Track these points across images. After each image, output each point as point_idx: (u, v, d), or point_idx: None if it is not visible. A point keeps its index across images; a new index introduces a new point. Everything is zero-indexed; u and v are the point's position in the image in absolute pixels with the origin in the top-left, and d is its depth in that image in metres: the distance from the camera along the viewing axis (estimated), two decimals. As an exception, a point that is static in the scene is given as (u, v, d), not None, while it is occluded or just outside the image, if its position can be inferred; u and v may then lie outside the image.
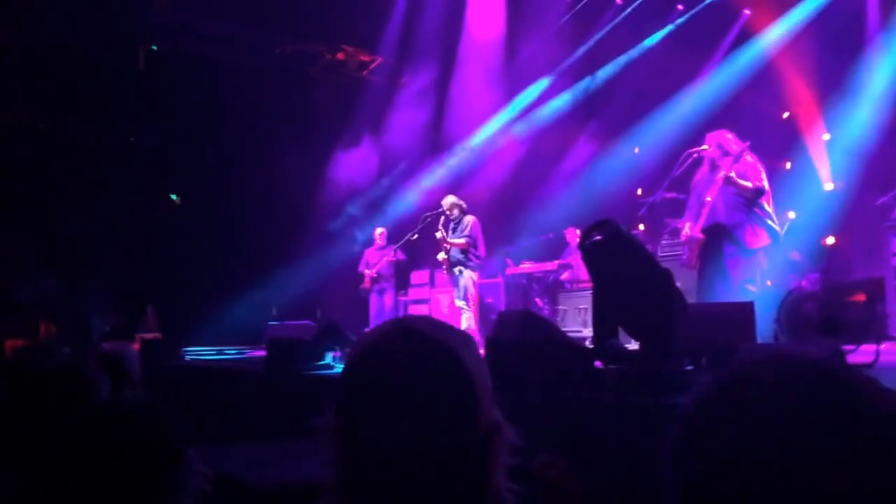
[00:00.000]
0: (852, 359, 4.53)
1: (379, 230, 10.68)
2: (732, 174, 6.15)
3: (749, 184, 6.15)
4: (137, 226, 11.27)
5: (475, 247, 8.82)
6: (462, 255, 8.82)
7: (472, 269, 8.84)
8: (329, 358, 6.54)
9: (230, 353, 9.23)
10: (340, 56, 12.95)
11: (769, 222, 6.32)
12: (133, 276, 10.73)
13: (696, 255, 6.38)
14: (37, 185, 11.03)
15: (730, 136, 6.41)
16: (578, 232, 9.24)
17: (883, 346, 5.96)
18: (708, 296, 6.19)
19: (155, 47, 11.90)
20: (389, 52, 12.78)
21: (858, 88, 9.62)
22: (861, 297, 6.11)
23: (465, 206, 9.05)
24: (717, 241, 6.25)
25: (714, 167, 6.34)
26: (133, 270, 10.77)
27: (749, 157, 6.24)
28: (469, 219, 8.90)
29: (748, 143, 6.38)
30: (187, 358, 8.34)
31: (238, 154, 11.76)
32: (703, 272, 6.36)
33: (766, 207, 6.31)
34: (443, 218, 9.00)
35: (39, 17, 10.83)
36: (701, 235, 6.34)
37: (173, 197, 12.18)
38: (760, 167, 6.30)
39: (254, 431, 5.60)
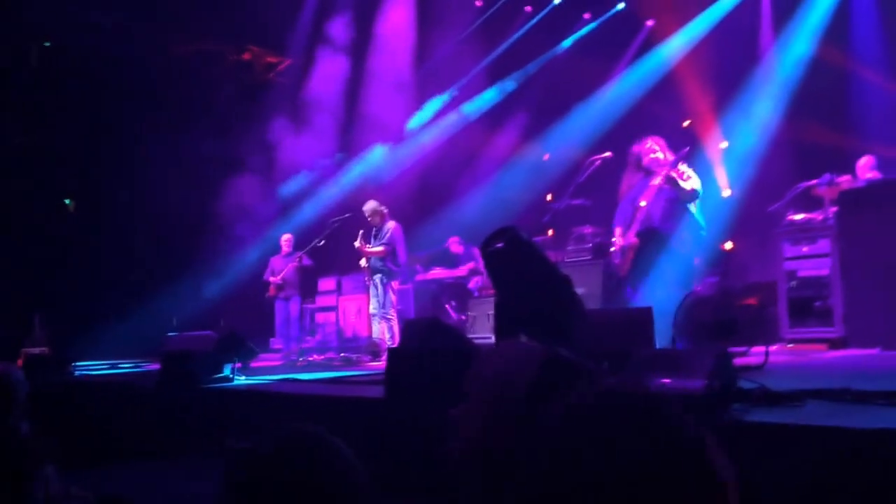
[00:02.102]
0: (744, 360, 4.66)
1: (285, 237, 10.46)
2: (672, 175, 6.19)
3: (686, 187, 6.21)
4: (24, 231, 10.68)
5: (395, 254, 8.71)
6: (381, 263, 8.71)
7: (392, 276, 8.74)
8: (228, 370, 6.33)
9: (125, 366, 8.86)
10: (246, 57, 12.65)
11: (701, 231, 6.43)
12: (18, 284, 10.12)
13: (630, 260, 6.39)
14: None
15: (664, 144, 6.47)
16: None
17: (773, 348, 6.18)
18: (638, 301, 6.21)
19: (48, 44, 11.35)
20: (298, 54, 12.57)
21: (752, 99, 9.98)
22: (752, 301, 6.30)
23: (386, 211, 8.93)
24: (651, 246, 6.29)
25: (649, 173, 6.39)
26: (19, 279, 10.17)
27: (683, 165, 6.30)
28: (390, 225, 8.80)
29: (686, 150, 6.47)
30: (77, 373, 7.94)
31: (137, 158, 11.31)
32: (635, 278, 6.38)
33: (698, 215, 6.40)
34: (362, 231, 8.87)
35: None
36: (635, 240, 6.36)
37: (67, 202, 11.64)
38: (694, 174, 6.37)
39: (147, 450, 5.36)
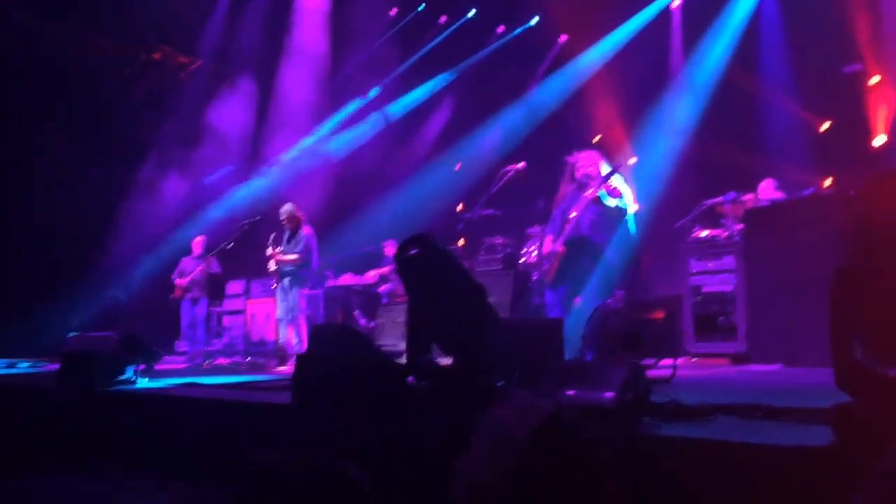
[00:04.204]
0: (653, 373, 4.79)
1: (197, 238, 10.20)
2: (600, 194, 6.33)
3: (612, 204, 6.35)
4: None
5: (309, 261, 8.58)
6: (293, 268, 8.56)
7: (302, 281, 8.60)
8: (130, 372, 6.11)
9: (23, 366, 8.46)
10: (157, 56, 12.31)
11: (628, 241, 6.59)
12: None
13: (556, 268, 6.48)
14: None
15: (599, 158, 6.60)
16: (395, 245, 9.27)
17: (678, 361, 6.39)
18: (560, 309, 6.30)
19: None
20: (209, 55, 12.31)
21: (662, 117, 10.31)
22: (660, 315, 6.50)
23: (302, 216, 8.77)
24: (578, 254, 6.39)
25: (581, 186, 6.50)
26: None
27: (616, 181, 6.43)
28: (305, 231, 8.65)
29: (619, 166, 6.61)
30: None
31: (42, 157, 10.85)
32: (559, 284, 6.47)
33: (630, 227, 6.55)
34: (274, 235, 8.70)
35: None
36: (562, 248, 6.45)
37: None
38: (627, 190, 6.52)
39: (44, 456, 5.12)
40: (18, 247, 10.48)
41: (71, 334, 8.86)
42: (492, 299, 4.76)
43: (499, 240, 8.63)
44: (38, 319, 9.73)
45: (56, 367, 6.49)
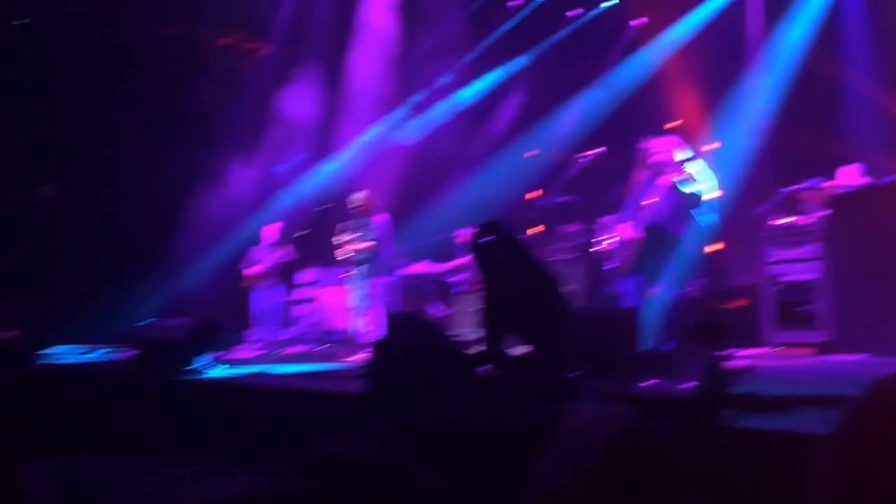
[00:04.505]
0: (733, 364, 4.58)
1: (269, 227, 10.25)
2: (677, 180, 6.12)
3: (692, 190, 6.14)
4: (1, 214, 10.47)
5: (381, 249, 8.55)
6: (366, 256, 8.54)
7: (375, 270, 8.57)
8: (203, 360, 6.17)
9: (99, 353, 8.67)
10: (226, 42, 12.44)
11: (706, 229, 6.36)
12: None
13: (632, 256, 6.31)
14: None
15: (674, 144, 6.38)
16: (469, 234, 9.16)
17: (759, 352, 6.14)
18: (636, 299, 6.12)
19: (30, 20, 11.10)
20: (279, 40, 12.38)
21: (742, 102, 9.95)
22: (739, 304, 6.26)
23: (375, 205, 8.74)
24: (657, 243, 6.19)
25: (656, 172, 6.31)
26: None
27: (693, 166, 6.22)
28: (378, 219, 8.62)
29: (698, 151, 6.39)
30: (48, 360, 7.74)
31: (116, 143, 11.11)
32: (636, 273, 6.29)
33: (705, 215, 6.32)
34: (347, 223, 8.70)
35: None
36: (638, 236, 6.28)
37: (45, 187, 11.41)
38: (705, 176, 6.29)
39: (114, 441, 5.19)
40: (95, 235, 10.75)
41: (146, 321, 9.03)
42: (566, 288, 4.63)
43: (573, 228, 8.44)
44: (114, 306, 9.96)
45: (131, 353, 6.61)
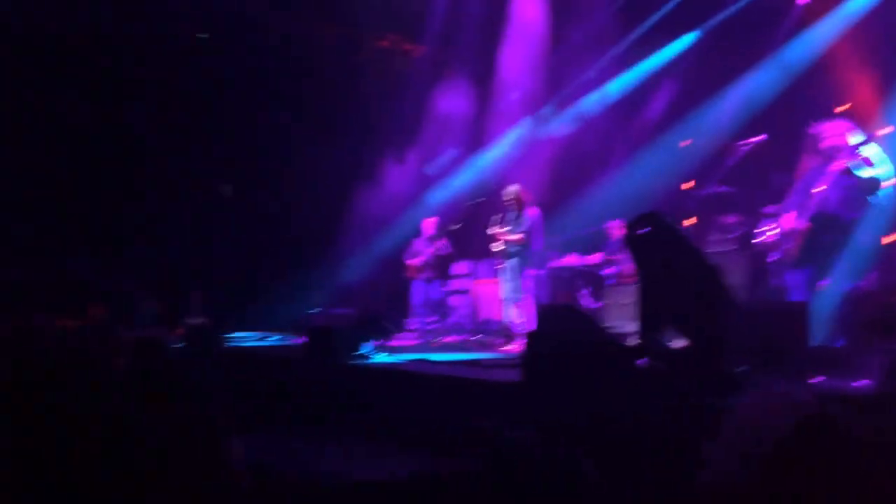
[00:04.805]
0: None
1: (428, 220, 10.55)
2: (851, 165, 5.85)
3: (864, 174, 5.85)
4: (185, 211, 11.41)
5: (532, 241, 8.64)
6: (517, 248, 8.66)
7: (526, 262, 8.68)
8: (366, 348, 6.51)
9: (273, 339, 9.28)
10: (384, 44, 12.89)
11: (883, 217, 6.04)
12: (180, 260, 10.86)
13: (799, 247, 6.07)
14: (88, 169, 11.23)
15: (847, 127, 6.09)
16: (621, 225, 9.07)
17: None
18: (804, 292, 5.89)
19: (205, 35, 11.99)
20: (433, 41, 12.68)
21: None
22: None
23: (527, 198, 8.85)
24: (825, 232, 5.92)
25: (828, 158, 6.05)
26: (180, 255, 10.90)
27: (867, 150, 5.92)
28: (530, 212, 8.72)
29: (873, 134, 6.09)
30: (230, 343, 8.38)
31: (285, 143, 11.82)
32: (804, 265, 6.06)
33: (882, 202, 5.98)
34: (499, 215, 8.85)
35: (95, 7, 10.98)
36: (806, 226, 6.05)
37: (222, 184, 12.30)
38: (883, 160, 5.97)
39: (288, 419, 5.58)
40: (268, 231, 11.47)
41: (315, 310, 9.57)
42: (726, 281, 4.53)
43: (732, 218, 8.16)
44: (286, 296, 10.63)
45: (301, 340, 7.06)
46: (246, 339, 9.02)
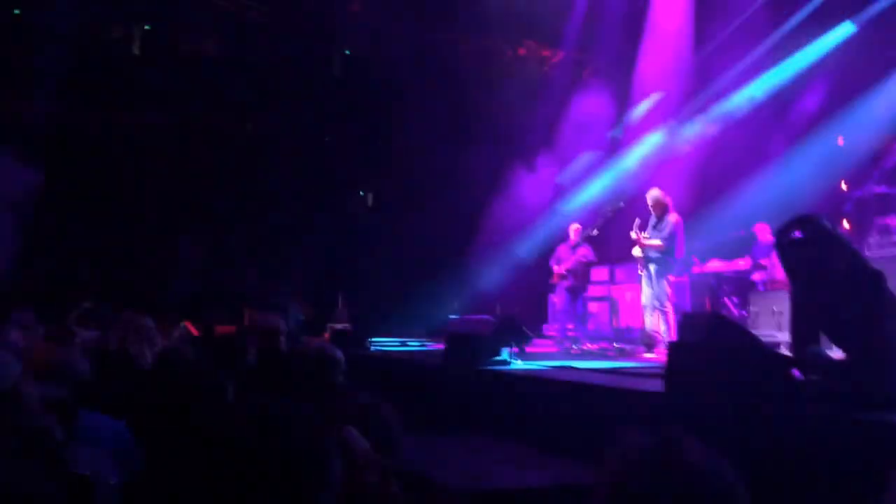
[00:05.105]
0: None
1: (574, 226, 10.42)
2: None
3: None
4: (330, 221, 11.89)
5: (673, 248, 8.41)
6: (657, 254, 8.45)
7: (668, 268, 8.45)
8: (505, 354, 6.52)
9: (413, 344, 9.48)
10: (522, 52, 12.92)
11: None
12: (325, 268, 11.33)
13: None
14: (243, 184, 11.92)
15: None
16: (770, 228, 8.67)
17: None
18: None
19: (347, 52, 12.47)
20: (571, 46, 12.59)
21: None
22: None
23: (669, 202, 8.62)
24: None
25: None
26: (325, 263, 11.37)
27: None
28: (671, 218, 8.48)
29: None
30: (373, 348, 8.65)
31: (423, 152, 12.07)
32: None
33: None
34: (639, 220, 8.67)
35: (242, 28, 11.65)
36: None
37: (362, 194, 12.73)
38: None
39: (427, 423, 5.68)
40: (407, 240, 11.75)
41: (453, 317, 9.70)
42: (889, 288, 4.23)
43: (894, 220, 7.63)
44: (426, 302, 10.85)
45: (440, 346, 7.17)
46: (387, 344, 9.28)
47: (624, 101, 12.33)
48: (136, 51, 11.65)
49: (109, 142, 11.83)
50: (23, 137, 10.52)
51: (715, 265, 10.12)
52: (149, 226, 11.66)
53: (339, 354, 3.88)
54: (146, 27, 11.70)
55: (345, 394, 3.36)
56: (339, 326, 9.03)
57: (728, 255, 10.13)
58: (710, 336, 4.78)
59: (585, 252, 9.93)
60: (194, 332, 6.70)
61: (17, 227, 10.32)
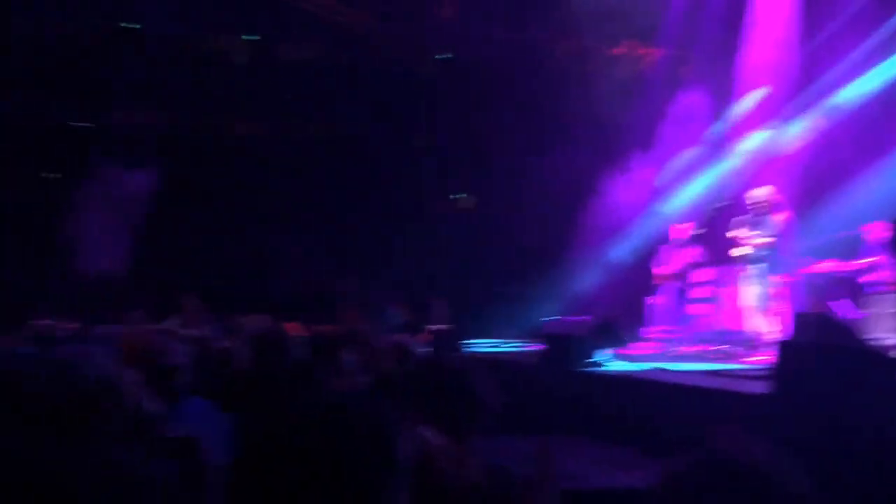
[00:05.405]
0: None
1: (678, 226, 10.18)
2: None
3: None
4: (428, 225, 12.05)
5: (782, 246, 8.11)
6: (764, 253, 8.16)
7: (775, 268, 8.15)
8: (601, 355, 6.46)
9: (510, 346, 9.49)
10: (618, 51, 12.74)
11: None
12: (424, 272, 11.48)
13: None
14: (341, 186, 12.24)
15: None
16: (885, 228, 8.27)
17: None
18: None
19: (443, 56, 12.62)
20: (670, 43, 12.32)
21: None
22: None
23: (776, 202, 8.32)
24: None
25: None
26: (424, 265, 11.53)
27: None
28: (778, 217, 8.20)
29: None
30: (470, 349, 8.70)
31: (519, 155, 12.08)
32: None
33: None
34: (745, 217, 8.40)
35: (338, 35, 11.96)
36: None
37: (459, 197, 12.84)
38: None
39: (521, 424, 5.67)
40: (504, 238, 11.78)
41: (550, 319, 9.65)
42: None
43: None
44: (524, 304, 10.85)
45: (537, 347, 7.15)
46: (484, 345, 9.31)
47: (724, 98, 11.97)
48: (239, 60, 12.12)
49: (214, 147, 12.37)
50: (134, 145, 11.14)
51: (824, 265, 9.70)
52: (251, 228, 12.11)
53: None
54: (249, 37, 12.16)
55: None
56: (436, 328, 9.13)
57: (836, 256, 9.69)
58: (820, 337, 4.63)
59: (691, 253, 9.69)
60: (298, 331, 6.90)
61: (129, 231, 10.92)
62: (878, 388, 3.91)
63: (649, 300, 10.17)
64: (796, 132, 11.64)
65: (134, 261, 11.57)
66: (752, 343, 8.16)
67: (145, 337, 3.33)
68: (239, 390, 3.54)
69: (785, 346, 4.58)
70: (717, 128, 12.20)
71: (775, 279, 8.19)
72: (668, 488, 1.32)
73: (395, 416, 2.28)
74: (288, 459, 1.29)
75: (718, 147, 12.26)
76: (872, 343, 6.23)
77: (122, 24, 11.69)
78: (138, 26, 11.68)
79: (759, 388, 4.67)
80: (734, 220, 8.56)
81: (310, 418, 1.34)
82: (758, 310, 8.18)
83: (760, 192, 8.33)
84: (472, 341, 9.22)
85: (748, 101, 11.85)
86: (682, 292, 9.94)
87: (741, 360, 7.77)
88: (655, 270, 9.98)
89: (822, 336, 4.64)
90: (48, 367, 2.05)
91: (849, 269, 9.36)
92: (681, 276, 9.83)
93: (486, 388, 2.59)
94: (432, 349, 7.21)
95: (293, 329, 7.11)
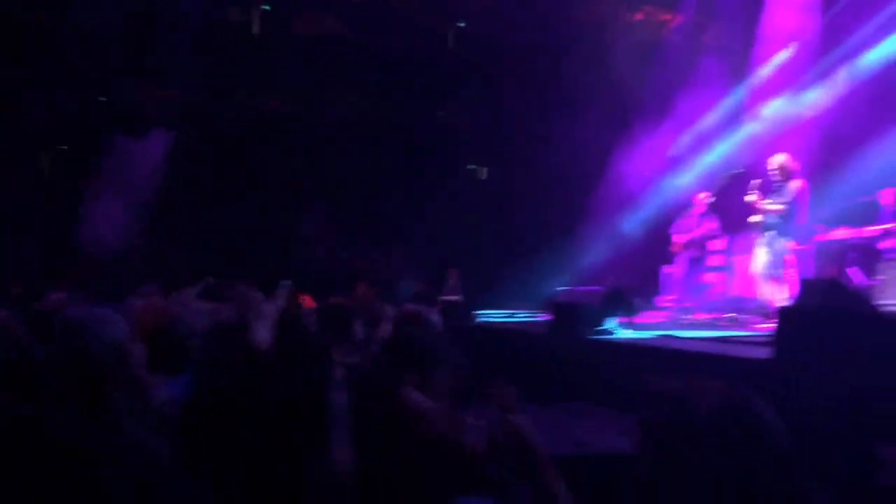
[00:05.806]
0: None
1: (702, 195, 10.13)
2: None
3: None
4: (443, 196, 12.07)
5: (796, 214, 8.05)
6: (778, 220, 8.11)
7: (788, 235, 8.11)
8: (610, 323, 6.50)
9: (521, 316, 9.54)
10: (639, 16, 12.59)
11: None
12: (438, 241, 11.53)
13: None
14: (358, 161, 12.27)
15: None
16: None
17: None
18: None
19: (462, 24, 12.54)
20: (691, 8, 12.17)
21: None
22: None
23: (794, 169, 8.25)
24: None
25: None
26: (438, 236, 11.57)
27: None
28: (795, 184, 8.13)
29: None
30: (481, 319, 8.78)
31: (535, 125, 12.03)
32: None
33: None
34: (758, 182, 8.34)
35: (357, 6, 11.90)
36: None
37: (473, 167, 12.83)
38: None
39: (531, 391, 5.74)
40: (518, 214, 11.78)
41: (560, 288, 9.69)
42: None
43: None
44: (538, 275, 10.88)
45: (548, 316, 7.21)
46: (496, 315, 9.38)
47: (744, 65, 11.83)
48: (255, 31, 12.08)
49: (232, 122, 12.43)
50: (150, 121, 11.21)
51: (841, 233, 9.62)
52: (270, 205, 12.21)
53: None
54: (264, 7, 12.11)
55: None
56: (450, 298, 9.21)
57: (854, 223, 9.60)
58: (825, 301, 4.62)
59: (711, 222, 9.67)
60: (312, 304, 7.00)
61: (146, 207, 11.05)
62: (881, 352, 3.91)
63: (666, 269, 10.16)
64: (816, 98, 11.49)
65: (151, 237, 11.73)
66: (764, 310, 8.14)
67: (158, 308, 3.41)
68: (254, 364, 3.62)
69: (785, 311, 4.59)
70: (737, 94, 12.08)
71: (789, 246, 8.15)
72: (646, 443, 1.36)
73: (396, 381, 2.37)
74: (227, 404, 1.37)
75: (737, 114, 12.14)
76: (879, 307, 6.21)
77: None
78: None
79: (759, 353, 4.70)
80: (750, 185, 8.50)
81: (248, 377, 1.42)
82: (771, 277, 8.14)
83: (779, 159, 8.25)
84: (485, 311, 9.30)
85: (769, 67, 11.70)
86: (697, 261, 9.92)
87: (752, 327, 7.77)
88: (675, 238, 9.96)
89: (827, 301, 4.62)
90: (61, 331, 2.13)
91: (864, 235, 9.29)
92: (699, 244, 9.82)
93: (456, 356, 2.70)
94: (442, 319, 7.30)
95: (307, 301, 7.23)
